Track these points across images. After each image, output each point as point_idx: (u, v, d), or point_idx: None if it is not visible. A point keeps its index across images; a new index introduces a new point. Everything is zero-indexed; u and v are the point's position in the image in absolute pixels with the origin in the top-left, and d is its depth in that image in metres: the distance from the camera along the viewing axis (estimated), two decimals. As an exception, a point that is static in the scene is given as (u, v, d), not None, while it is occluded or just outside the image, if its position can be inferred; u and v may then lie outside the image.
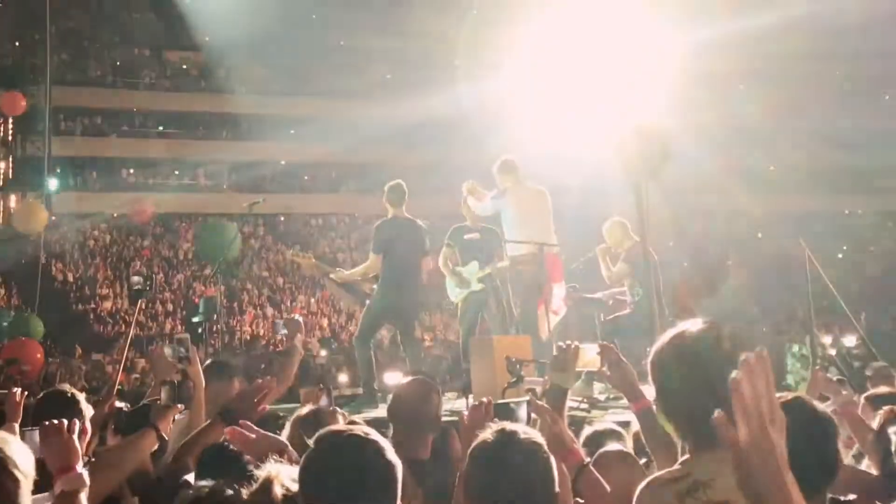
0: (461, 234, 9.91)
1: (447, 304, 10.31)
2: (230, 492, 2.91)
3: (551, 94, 11.33)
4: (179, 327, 25.69)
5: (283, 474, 2.67)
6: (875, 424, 3.82)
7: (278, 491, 2.61)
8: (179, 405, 4.05)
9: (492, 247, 9.85)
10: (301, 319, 5.94)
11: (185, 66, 37.34)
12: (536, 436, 2.82)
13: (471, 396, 7.91)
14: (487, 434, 2.80)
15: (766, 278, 16.56)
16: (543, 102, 11.54)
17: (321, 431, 2.62)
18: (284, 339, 6.31)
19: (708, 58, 11.76)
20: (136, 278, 26.49)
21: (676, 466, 2.48)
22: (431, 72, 21.23)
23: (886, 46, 14.31)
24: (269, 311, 27.94)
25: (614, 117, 10.14)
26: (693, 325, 2.54)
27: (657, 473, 2.54)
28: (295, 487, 2.58)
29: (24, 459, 2.39)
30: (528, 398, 3.38)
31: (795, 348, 9.80)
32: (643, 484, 2.46)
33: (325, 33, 29.11)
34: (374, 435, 2.54)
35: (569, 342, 4.17)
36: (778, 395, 3.08)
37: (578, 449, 3.06)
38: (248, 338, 25.32)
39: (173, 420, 4.06)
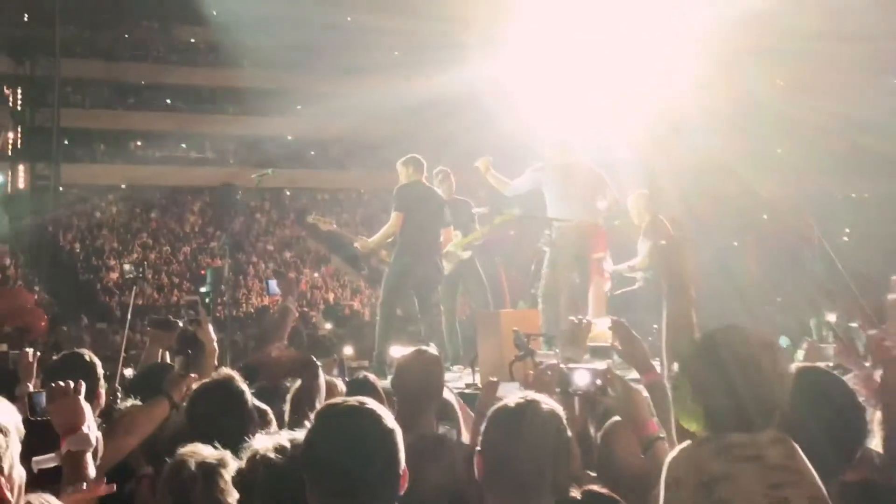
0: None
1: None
2: (214, 461, 2.95)
3: (563, 73, 11.31)
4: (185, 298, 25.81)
5: (270, 446, 2.68)
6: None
7: (265, 462, 2.64)
8: (193, 374, 4.07)
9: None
10: (293, 277, 5.94)
11: (192, 41, 37.29)
12: (557, 408, 2.82)
13: (477, 371, 7.95)
14: (509, 400, 2.82)
15: (773, 259, 16.56)
16: (555, 81, 11.51)
17: (320, 408, 2.63)
18: (278, 298, 6.32)
19: (721, 36, 11.68)
20: (128, 266, 26.57)
21: (706, 436, 2.56)
22: (441, 49, 21.13)
23: (900, 27, 14.25)
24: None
25: (626, 96, 10.14)
26: (729, 326, 2.63)
27: (685, 443, 2.59)
28: (281, 457, 2.62)
29: (7, 416, 2.41)
30: (605, 365, 3.34)
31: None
32: (675, 451, 2.51)
33: (333, 9, 28.97)
34: (370, 404, 2.52)
35: (580, 317, 4.20)
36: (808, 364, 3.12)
37: (653, 421, 3.05)
38: (254, 310, 25.42)
39: (186, 389, 4.08)
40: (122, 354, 6.70)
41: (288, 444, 2.63)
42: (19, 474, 2.39)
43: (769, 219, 18.81)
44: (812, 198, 17.35)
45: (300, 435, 2.62)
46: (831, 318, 8.70)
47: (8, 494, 2.31)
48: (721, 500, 2.38)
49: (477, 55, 17.57)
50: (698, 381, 2.60)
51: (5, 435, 2.31)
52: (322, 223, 9.84)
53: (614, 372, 3.26)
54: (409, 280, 8.82)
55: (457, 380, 8.25)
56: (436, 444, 3.67)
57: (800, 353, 7.59)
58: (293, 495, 2.49)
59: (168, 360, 4.98)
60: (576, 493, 2.84)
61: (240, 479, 2.71)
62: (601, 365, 3.33)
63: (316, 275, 29.36)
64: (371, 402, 2.51)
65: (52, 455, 3.02)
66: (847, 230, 17.92)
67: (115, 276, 28.12)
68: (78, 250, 29.83)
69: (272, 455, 2.63)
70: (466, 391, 7.06)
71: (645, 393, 3.28)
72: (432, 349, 4.77)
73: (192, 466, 2.97)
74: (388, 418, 2.49)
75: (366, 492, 2.41)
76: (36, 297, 19.06)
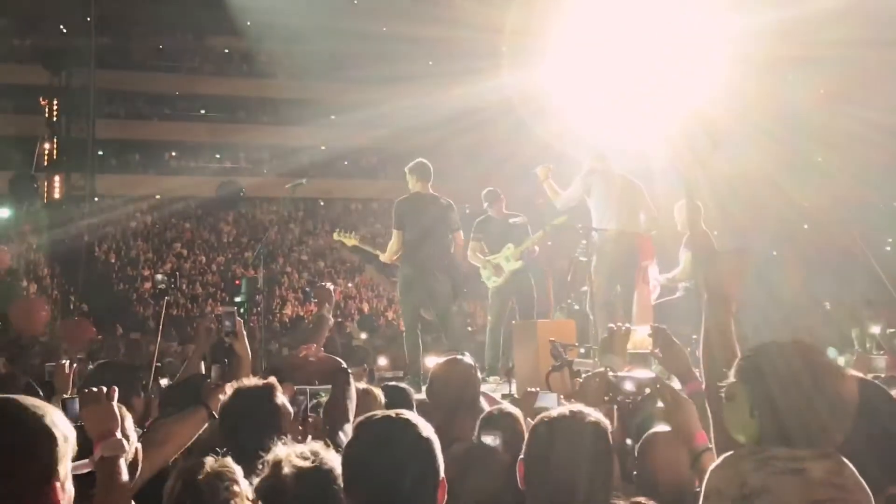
0: (488, 225, 9.95)
1: (483, 290, 10.33)
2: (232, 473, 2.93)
3: (597, 81, 11.23)
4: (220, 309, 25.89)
5: (293, 454, 2.69)
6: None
7: (288, 471, 2.62)
8: (230, 384, 4.05)
9: (521, 234, 9.87)
10: (332, 287, 5.89)
11: (226, 51, 37.57)
12: (602, 419, 2.80)
13: (514, 381, 7.90)
14: (554, 410, 2.80)
15: (815, 269, 16.36)
16: (589, 89, 11.43)
17: (358, 420, 2.63)
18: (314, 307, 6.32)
19: (759, 44, 11.55)
20: (159, 276, 26.75)
21: (748, 447, 2.52)
22: (474, 58, 21.08)
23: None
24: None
25: (662, 104, 10.03)
26: (793, 341, 2.61)
27: (729, 453, 2.57)
28: (304, 464, 2.62)
29: (62, 422, 2.38)
30: (655, 374, 3.31)
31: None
32: (718, 461, 2.50)
33: (367, 19, 29.09)
34: (408, 414, 2.55)
35: (619, 324, 4.13)
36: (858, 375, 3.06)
37: (702, 433, 3.01)
38: (288, 320, 25.48)
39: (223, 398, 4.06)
40: (155, 364, 6.68)
41: (309, 453, 2.64)
42: (70, 487, 2.37)
43: (810, 229, 18.59)
44: (853, 207, 17.13)
45: (319, 445, 2.64)
46: (875, 329, 8.57)
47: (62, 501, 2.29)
48: None
49: (511, 64, 17.53)
50: (758, 393, 2.56)
51: (66, 441, 2.30)
52: (346, 239, 9.89)
53: (664, 381, 3.22)
54: (416, 291, 8.82)
55: (493, 391, 8.20)
56: (481, 454, 3.64)
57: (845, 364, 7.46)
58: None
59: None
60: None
61: (262, 487, 2.70)
62: (649, 373, 3.28)
63: (350, 285, 29.39)
64: (409, 413, 2.53)
65: (86, 461, 3.00)
66: (889, 240, 17.66)
67: (149, 286, 28.32)
68: (113, 260, 30.06)
69: (299, 462, 2.64)
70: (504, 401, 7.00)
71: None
72: (467, 358, 4.71)
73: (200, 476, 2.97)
74: (427, 428, 2.49)
75: (404, 501, 2.41)
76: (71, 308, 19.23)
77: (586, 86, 11.32)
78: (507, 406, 4.50)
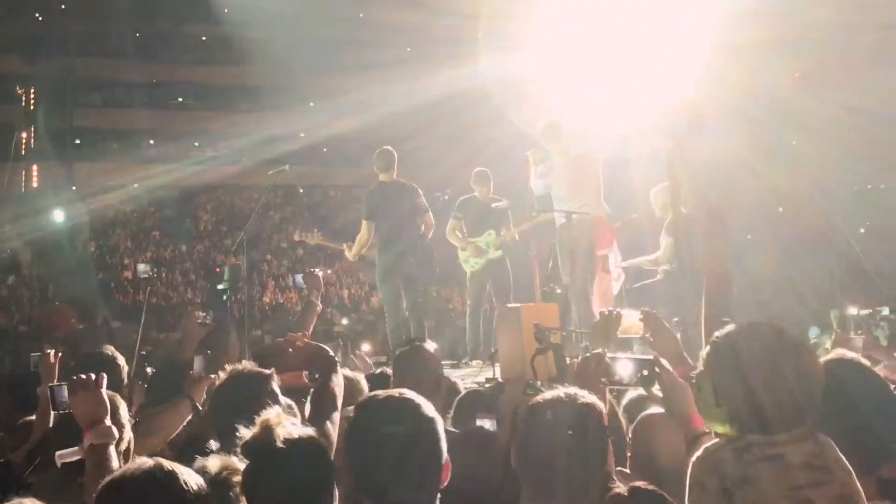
0: (470, 205, 10.01)
1: (461, 274, 10.37)
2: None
3: (576, 67, 11.27)
4: (200, 296, 25.85)
5: (283, 417, 2.64)
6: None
7: (280, 434, 2.56)
8: (213, 375, 4.07)
9: (501, 218, 9.95)
10: (320, 273, 5.95)
11: (204, 39, 37.30)
12: (596, 402, 2.79)
13: (497, 365, 7.95)
14: (548, 392, 2.80)
15: (790, 251, 16.49)
16: (568, 75, 11.47)
17: (362, 399, 2.62)
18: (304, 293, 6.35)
19: (735, 27, 11.61)
20: (142, 266, 26.59)
21: (727, 436, 2.53)
22: (453, 45, 21.07)
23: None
24: (290, 281, 28.03)
25: (641, 90, 10.09)
26: (759, 323, 2.61)
27: (710, 442, 2.58)
28: (297, 432, 2.58)
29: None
30: (651, 356, 3.28)
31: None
32: (698, 452, 2.50)
33: (345, 5, 28.97)
34: (409, 394, 2.54)
35: (610, 308, 4.19)
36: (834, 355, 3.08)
37: (699, 416, 2.98)
38: (268, 307, 25.45)
39: (206, 390, 4.08)
40: (138, 353, 6.71)
41: (296, 435, 2.59)
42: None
43: (785, 211, 18.72)
44: (828, 190, 17.25)
45: (306, 429, 2.60)
46: (853, 310, 8.65)
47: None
48: None
49: (490, 50, 17.52)
50: (720, 382, 2.58)
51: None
52: (309, 239, 9.96)
53: (662, 363, 3.20)
54: (395, 278, 8.92)
55: (476, 375, 8.26)
56: (480, 437, 3.67)
57: (828, 343, 7.55)
58: (300, 486, 2.48)
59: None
60: (619, 489, 2.80)
61: (252, 447, 2.65)
62: (646, 355, 3.28)
63: (330, 271, 29.33)
64: (412, 393, 2.51)
65: (76, 448, 3.03)
66: (867, 223, 17.78)
67: (128, 274, 28.19)
68: (92, 249, 29.89)
69: (290, 427, 2.59)
70: (486, 385, 7.06)
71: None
72: (428, 345, 4.78)
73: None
74: (430, 409, 2.48)
75: (408, 481, 2.40)
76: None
77: (565, 72, 11.37)
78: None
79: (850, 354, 3.07)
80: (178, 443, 4.06)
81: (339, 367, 3.70)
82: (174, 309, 24.51)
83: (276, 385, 3.62)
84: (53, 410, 3.61)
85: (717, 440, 2.56)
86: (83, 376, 3.18)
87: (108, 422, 3.08)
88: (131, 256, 29.57)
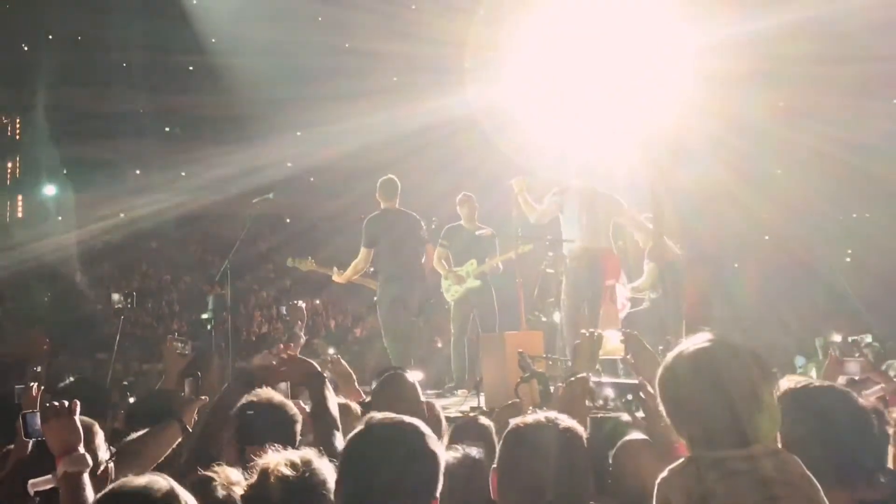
0: (456, 233, 10.03)
1: (447, 304, 10.39)
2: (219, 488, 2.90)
3: (560, 97, 11.36)
4: (186, 328, 25.70)
5: (281, 462, 2.65)
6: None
7: (275, 480, 2.58)
8: (203, 398, 4.06)
9: (486, 247, 9.97)
10: (303, 305, 5.97)
11: (191, 68, 37.33)
12: (577, 427, 2.79)
13: (482, 394, 7.94)
14: (528, 417, 2.79)
15: (775, 280, 16.56)
16: (552, 105, 11.56)
17: (370, 418, 2.60)
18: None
19: (719, 59, 11.73)
20: (116, 296, 26.45)
21: (687, 456, 2.56)
22: (439, 73, 21.18)
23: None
24: (275, 311, 27.95)
25: (624, 119, 10.18)
26: (705, 340, 2.61)
27: (675, 463, 2.59)
28: (292, 474, 2.59)
29: None
30: (637, 381, 3.28)
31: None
32: (664, 473, 2.52)
33: (332, 35, 29.08)
34: (417, 422, 2.54)
35: (591, 330, 4.20)
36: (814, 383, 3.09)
37: (682, 444, 2.99)
38: (254, 338, 25.33)
39: (197, 413, 4.07)
40: (111, 381, 6.67)
41: (300, 462, 2.60)
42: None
43: (769, 241, 18.85)
44: (812, 220, 17.37)
45: (312, 453, 2.60)
46: (837, 337, 8.71)
47: None
48: None
49: (475, 79, 17.63)
50: (668, 400, 2.60)
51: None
52: (301, 265, 9.96)
53: (647, 388, 3.20)
54: (399, 306, 8.91)
55: (461, 404, 8.24)
56: (470, 465, 3.65)
57: (814, 372, 7.57)
58: None
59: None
60: None
61: (249, 494, 2.67)
62: (632, 380, 3.27)
63: (317, 301, 29.27)
64: (419, 422, 2.49)
65: (49, 477, 2.99)
66: (849, 251, 17.91)
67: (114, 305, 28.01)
68: (77, 280, 29.74)
69: (287, 472, 2.59)
70: (471, 415, 7.04)
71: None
72: (411, 374, 4.78)
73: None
74: (434, 442, 2.46)
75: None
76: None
77: (550, 101, 11.45)
78: (481, 418, 4.56)
79: (842, 378, 3.06)
80: (176, 465, 4.03)
81: (327, 382, 3.68)
82: (158, 339, 24.38)
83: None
84: (25, 438, 3.57)
85: (681, 460, 2.59)
86: (56, 403, 3.15)
87: (81, 449, 3.04)
88: (117, 287, 29.42)
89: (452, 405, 8.16)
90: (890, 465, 3.25)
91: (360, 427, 2.53)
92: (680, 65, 10.46)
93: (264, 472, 2.63)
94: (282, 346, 4.00)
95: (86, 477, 3.01)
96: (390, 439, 2.45)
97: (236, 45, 28.65)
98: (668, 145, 8.34)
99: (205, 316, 10.85)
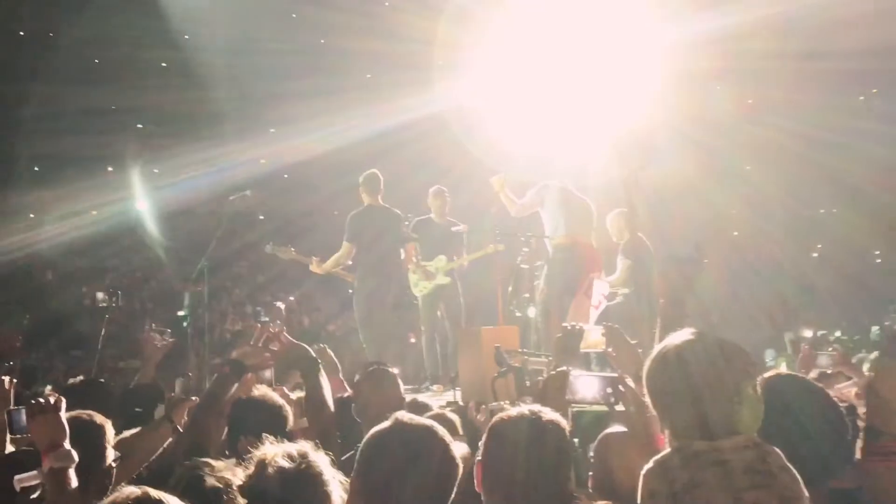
0: (426, 227, 10.10)
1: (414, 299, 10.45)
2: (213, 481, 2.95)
3: (533, 94, 11.45)
4: (159, 325, 25.55)
5: (279, 454, 2.70)
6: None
7: (272, 471, 2.62)
8: (194, 398, 4.10)
9: (456, 243, 10.05)
10: (282, 306, 6.03)
11: (164, 65, 37.06)
12: (560, 420, 2.84)
13: (458, 389, 8.03)
14: (512, 410, 2.84)
15: (743, 276, 16.72)
16: (525, 102, 11.65)
17: (394, 416, 2.62)
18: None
19: (687, 56, 11.88)
20: (100, 294, 26.26)
21: (674, 446, 2.65)
22: (412, 71, 21.22)
23: (862, 46, 14.48)
24: (248, 308, 27.90)
25: (595, 117, 10.29)
26: (687, 336, 2.72)
27: (660, 454, 2.67)
28: (289, 466, 2.63)
29: None
30: (616, 374, 3.32)
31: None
32: (650, 463, 2.62)
33: (306, 32, 29.00)
34: (442, 431, 2.58)
35: (573, 323, 4.28)
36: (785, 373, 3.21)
37: (661, 436, 3.05)
38: (229, 335, 25.27)
39: (187, 412, 4.10)
40: (98, 379, 6.72)
41: (297, 454, 2.62)
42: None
43: (738, 237, 19.03)
44: (778, 216, 17.55)
45: (308, 446, 2.64)
46: (807, 332, 8.87)
47: None
48: None
49: (450, 77, 17.69)
50: (655, 393, 2.71)
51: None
52: (281, 252, 10.00)
53: (626, 382, 3.25)
54: (379, 302, 8.98)
55: (437, 398, 8.33)
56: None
57: (783, 366, 7.72)
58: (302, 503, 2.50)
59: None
60: None
61: (246, 486, 2.70)
62: (611, 374, 3.31)
63: (291, 298, 29.23)
64: (442, 430, 2.49)
65: (34, 473, 3.03)
66: (819, 246, 18.10)
67: (87, 302, 27.89)
68: (49, 277, 29.56)
69: (284, 463, 2.61)
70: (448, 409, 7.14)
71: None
72: (390, 369, 4.88)
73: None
74: (456, 449, 2.51)
75: None
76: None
77: (522, 100, 11.55)
78: (447, 413, 4.65)
79: (814, 372, 3.15)
80: (165, 463, 4.07)
81: (320, 367, 3.69)
82: (132, 337, 24.27)
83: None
84: (11, 435, 3.60)
85: (666, 451, 2.67)
86: (41, 400, 3.18)
87: (67, 445, 3.07)
88: (90, 285, 29.25)
89: (428, 400, 8.23)
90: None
91: (387, 424, 2.54)
92: (648, 62, 10.58)
93: (262, 464, 2.66)
94: (274, 328, 4.02)
95: (71, 472, 3.03)
96: (419, 442, 2.50)
97: (210, 41, 28.48)
98: (637, 143, 8.45)
99: (181, 313, 10.88)
